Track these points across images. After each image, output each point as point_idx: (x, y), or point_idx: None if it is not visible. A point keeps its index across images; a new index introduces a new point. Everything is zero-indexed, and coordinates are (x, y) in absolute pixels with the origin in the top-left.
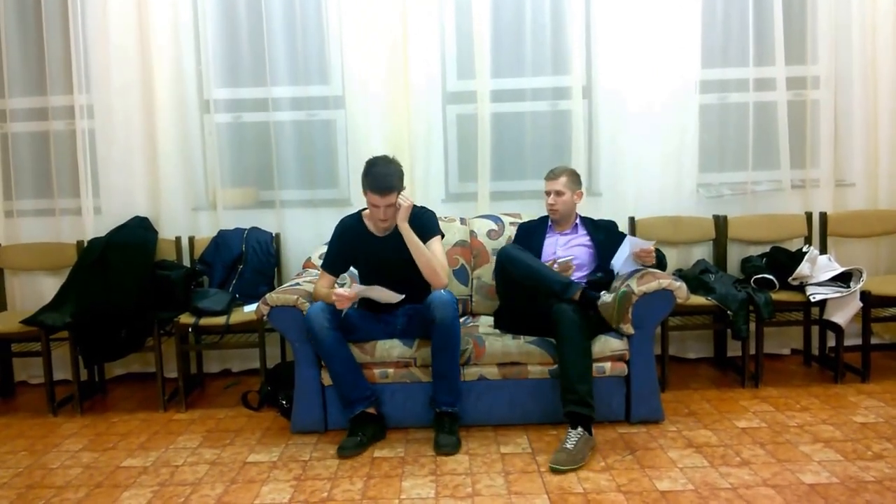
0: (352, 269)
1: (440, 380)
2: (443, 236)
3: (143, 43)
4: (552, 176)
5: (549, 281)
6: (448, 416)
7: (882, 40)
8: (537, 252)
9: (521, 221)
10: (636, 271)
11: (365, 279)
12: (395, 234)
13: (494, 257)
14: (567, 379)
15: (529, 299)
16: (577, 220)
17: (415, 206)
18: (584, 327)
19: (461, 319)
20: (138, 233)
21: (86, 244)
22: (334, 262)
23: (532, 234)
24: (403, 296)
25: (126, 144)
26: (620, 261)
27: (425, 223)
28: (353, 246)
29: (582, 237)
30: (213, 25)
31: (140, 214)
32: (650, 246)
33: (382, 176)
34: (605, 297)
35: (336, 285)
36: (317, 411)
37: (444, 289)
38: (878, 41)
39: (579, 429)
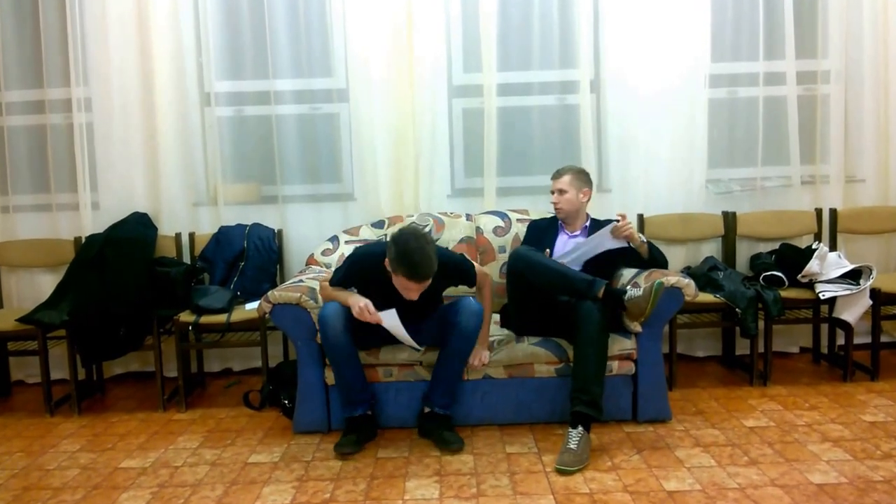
0: None
1: (442, 382)
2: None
3: (142, 34)
4: (556, 175)
5: (572, 280)
6: (441, 417)
7: (894, 34)
8: (549, 252)
9: (528, 218)
10: (641, 270)
11: (376, 306)
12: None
13: (501, 255)
14: (582, 379)
15: (544, 300)
16: (588, 223)
17: (447, 254)
18: (606, 329)
19: None
20: (137, 229)
21: (84, 240)
22: (344, 285)
23: (543, 233)
24: (422, 349)
25: (125, 138)
26: (595, 248)
27: (464, 273)
28: (367, 283)
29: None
30: (214, 16)
31: (139, 210)
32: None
33: (424, 264)
34: (634, 291)
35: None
36: (320, 411)
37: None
38: (889, 35)
39: (580, 428)
